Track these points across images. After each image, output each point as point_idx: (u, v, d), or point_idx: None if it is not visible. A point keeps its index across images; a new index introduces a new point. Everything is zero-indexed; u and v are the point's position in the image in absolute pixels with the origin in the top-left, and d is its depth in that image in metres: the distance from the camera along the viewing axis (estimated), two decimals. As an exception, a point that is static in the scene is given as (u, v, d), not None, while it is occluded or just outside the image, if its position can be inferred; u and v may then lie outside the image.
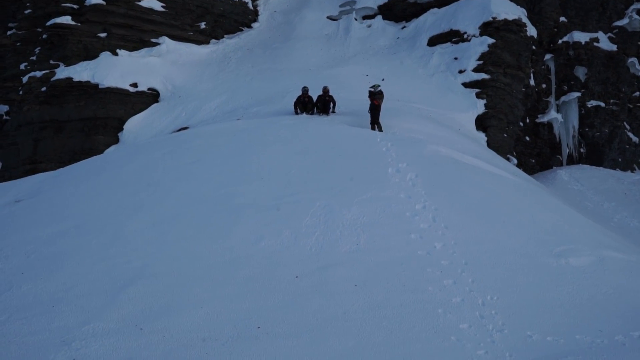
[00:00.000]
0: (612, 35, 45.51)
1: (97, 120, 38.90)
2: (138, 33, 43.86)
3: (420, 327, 15.08)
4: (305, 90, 30.76)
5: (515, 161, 39.12)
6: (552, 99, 44.31)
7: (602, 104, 44.10)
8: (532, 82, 42.81)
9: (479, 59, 38.95)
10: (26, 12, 44.67)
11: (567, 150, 43.55)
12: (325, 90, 30.06)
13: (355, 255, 17.89)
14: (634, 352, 13.36)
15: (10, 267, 18.71)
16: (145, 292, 16.71)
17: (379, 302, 15.98)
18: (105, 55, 41.67)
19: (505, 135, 38.04)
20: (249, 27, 51.11)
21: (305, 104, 30.73)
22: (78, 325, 15.59)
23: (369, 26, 48.19)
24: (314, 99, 30.66)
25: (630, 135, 44.43)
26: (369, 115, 28.00)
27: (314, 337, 14.89)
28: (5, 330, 15.68)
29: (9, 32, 46.29)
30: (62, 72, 40.00)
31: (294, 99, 31.41)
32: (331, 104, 29.99)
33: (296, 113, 30.79)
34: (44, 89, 39.78)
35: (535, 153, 43.38)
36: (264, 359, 14.13)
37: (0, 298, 17.08)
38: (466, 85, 37.94)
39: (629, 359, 13.12)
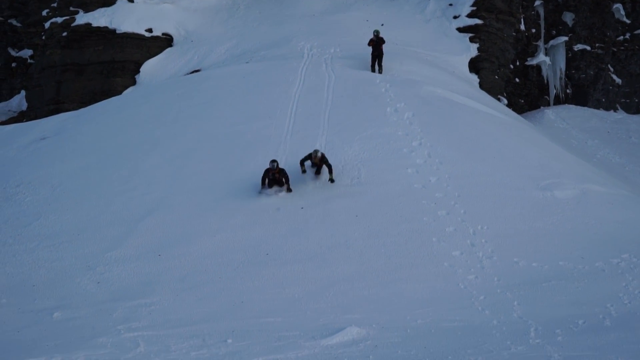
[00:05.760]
0: (599, -18, 44.71)
1: (115, 64, 38.59)
2: (152, -20, 43.15)
3: (416, 254, 15.22)
4: (274, 164, 18.21)
5: (506, 101, 38.78)
6: (541, 43, 43.71)
7: (588, 48, 43.57)
8: (522, 27, 42.20)
9: (472, 5, 38.23)
10: (46, -40, 43.90)
11: (554, 91, 43.12)
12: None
13: (356, 188, 17.94)
14: (612, 278, 13.49)
15: (37, 199, 18.82)
16: (163, 222, 16.84)
17: (378, 231, 16.10)
18: (122, 2, 41.04)
19: (496, 77, 37.68)
20: (257, -26, 50.21)
21: (274, 181, 18.37)
22: (101, 252, 15.77)
23: (370, -26, 47.29)
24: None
25: (614, 77, 43.98)
26: (370, 58, 27.70)
27: (318, 262, 15.07)
28: (35, 256, 15.89)
29: (31, -20, 45.62)
30: (82, 18, 39.50)
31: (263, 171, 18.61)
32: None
33: (262, 186, 18.26)
34: (64, 34, 39.36)
35: (524, 94, 43.05)
36: (272, 282, 14.32)
37: (30, 227, 17.25)
38: (460, 30, 37.35)
39: (607, 283, 13.24)
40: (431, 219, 16.50)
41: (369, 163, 18.94)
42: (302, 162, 18.48)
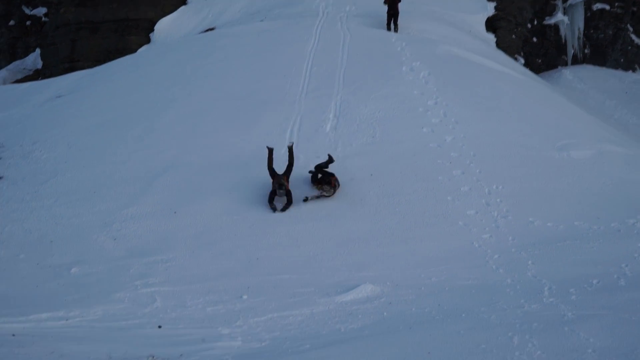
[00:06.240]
0: (620, -61, 43.84)
1: (130, 22, 38.46)
2: (166, -63, 42.68)
3: (430, 213, 15.23)
4: (281, 192, 15.98)
5: (523, 61, 38.38)
6: (559, 2, 43.06)
7: (607, 7, 42.89)
8: (541, -15, 41.61)
9: (490, -37, 37.75)
10: None
11: (572, 51, 42.60)
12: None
13: (371, 147, 17.89)
14: (628, 238, 13.45)
15: (54, 156, 18.90)
16: (178, 179, 16.90)
17: (392, 190, 16.10)
18: (135, -41, 40.78)
19: (513, 36, 37.25)
20: None
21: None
22: (118, 208, 15.89)
23: None
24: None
25: (633, 37, 43.36)
26: (386, 16, 27.43)
27: (333, 221, 15.12)
28: (52, 212, 16.03)
29: (44, -64, 45.26)
30: (95, -25, 39.28)
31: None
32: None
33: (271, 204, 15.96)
34: (78, -9, 39.25)
35: (541, 53, 42.56)
36: (287, 239, 14.42)
37: (47, 184, 17.36)
38: (477, -12, 36.94)
39: (622, 243, 13.20)
40: (446, 178, 16.47)
41: (384, 122, 18.86)
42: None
